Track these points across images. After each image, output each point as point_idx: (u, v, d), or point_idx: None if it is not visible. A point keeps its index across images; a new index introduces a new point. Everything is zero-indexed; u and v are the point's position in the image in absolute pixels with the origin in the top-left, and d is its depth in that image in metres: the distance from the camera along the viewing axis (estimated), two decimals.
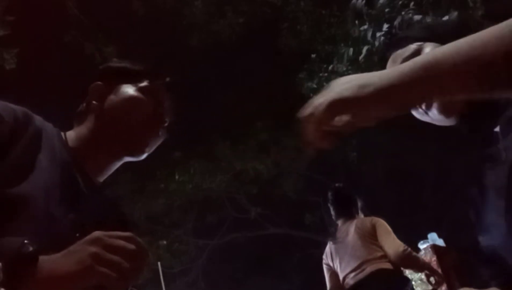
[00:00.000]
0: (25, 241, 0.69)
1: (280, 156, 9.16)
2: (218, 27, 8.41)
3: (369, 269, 2.75)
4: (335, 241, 3.04)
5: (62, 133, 1.01)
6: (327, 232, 3.23)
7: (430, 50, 0.94)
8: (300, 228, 9.74)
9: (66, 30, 7.60)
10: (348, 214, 3.11)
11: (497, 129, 0.86)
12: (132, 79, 1.06)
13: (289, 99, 8.35)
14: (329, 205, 3.24)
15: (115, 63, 1.12)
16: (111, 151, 1.01)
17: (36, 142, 0.90)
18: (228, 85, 8.98)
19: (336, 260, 3.01)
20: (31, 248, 0.70)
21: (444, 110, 0.95)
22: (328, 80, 7.26)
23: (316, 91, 7.40)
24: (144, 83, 1.06)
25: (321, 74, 7.32)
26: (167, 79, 1.10)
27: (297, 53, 7.70)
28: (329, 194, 3.26)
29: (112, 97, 1.03)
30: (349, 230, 2.97)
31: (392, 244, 2.75)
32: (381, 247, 2.81)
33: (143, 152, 1.04)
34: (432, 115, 0.97)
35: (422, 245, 4.22)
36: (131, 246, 0.74)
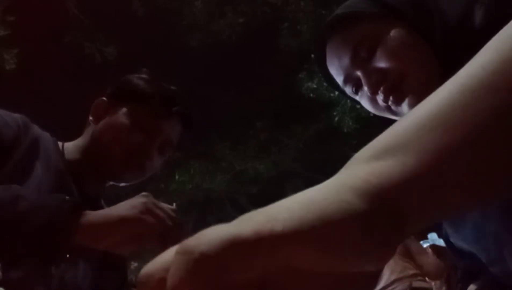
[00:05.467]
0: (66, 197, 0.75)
1: (280, 156, 9.16)
2: (218, 27, 8.41)
3: (401, 286, 2.78)
4: None
5: (60, 143, 1.00)
6: None
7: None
8: None
9: (66, 30, 7.60)
10: None
11: None
12: (139, 102, 1.00)
13: (289, 99, 8.36)
14: None
15: (131, 79, 1.06)
16: (93, 172, 1.00)
17: (34, 149, 0.91)
18: (228, 85, 8.98)
19: None
20: (73, 201, 0.76)
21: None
22: None
23: (316, 91, 7.43)
24: (146, 114, 0.99)
25: (320, 74, 7.33)
26: (175, 108, 1.02)
27: (297, 53, 7.71)
28: None
29: (106, 120, 1.00)
30: None
31: (431, 263, 2.78)
32: (413, 265, 2.83)
33: (121, 181, 1.02)
34: (399, 111, 0.78)
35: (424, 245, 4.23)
36: (173, 214, 0.79)
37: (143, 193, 0.80)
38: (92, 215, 0.75)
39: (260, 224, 0.24)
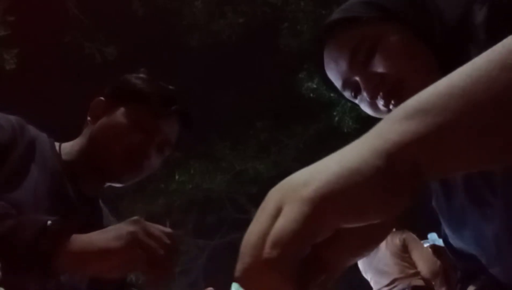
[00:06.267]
0: (49, 221, 0.71)
1: (280, 156, 9.16)
2: (218, 27, 8.41)
3: (401, 286, 2.80)
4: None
5: (57, 144, 1.00)
6: None
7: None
8: None
9: (66, 30, 7.60)
10: None
11: None
12: (137, 102, 0.99)
13: (289, 99, 8.36)
14: None
15: (129, 78, 1.05)
16: (91, 173, 0.98)
17: (30, 151, 0.90)
18: (228, 85, 8.98)
19: (369, 274, 3.06)
20: (56, 225, 0.71)
21: None
22: None
23: (316, 91, 7.43)
24: (144, 113, 0.98)
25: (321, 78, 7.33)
26: (174, 108, 1.01)
27: (297, 53, 7.71)
28: None
29: (104, 120, 0.99)
30: (380, 245, 3.00)
31: (426, 260, 2.79)
32: (413, 264, 2.86)
33: (118, 182, 1.01)
34: None
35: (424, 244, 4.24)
36: (167, 240, 0.74)
37: (134, 218, 0.75)
38: (77, 242, 0.71)
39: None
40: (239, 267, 0.33)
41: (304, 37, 7.62)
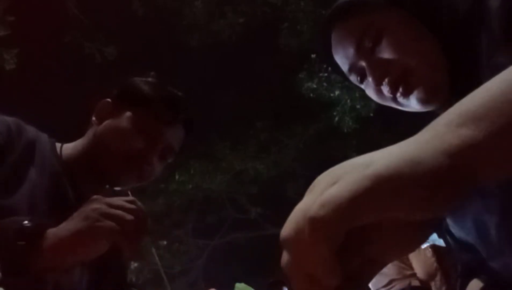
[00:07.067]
0: (26, 221, 0.73)
1: (280, 156, 9.16)
2: (218, 27, 8.40)
3: (399, 286, 2.81)
4: None
5: (58, 145, 0.99)
6: None
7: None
8: None
9: (66, 30, 7.60)
10: None
11: None
12: (143, 108, 0.99)
13: (289, 99, 8.36)
14: None
15: (138, 83, 1.04)
16: (91, 174, 0.98)
17: (28, 154, 0.89)
18: (228, 85, 8.97)
19: None
20: (32, 224, 0.73)
21: (427, 99, 0.75)
22: (328, 80, 7.28)
23: (316, 91, 7.43)
24: (149, 120, 0.98)
25: (320, 74, 7.33)
26: (180, 116, 1.01)
27: (297, 53, 7.70)
28: None
29: (109, 122, 0.99)
30: None
31: (423, 262, 2.81)
32: (410, 265, 2.87)
33: (117, 185, 1.01)
34: (406, 102, 0.78)
35: (422, 245, 4.24)
36: (131, 206, 0.77)
37: (93, 197, 0.78)
38: (50, 236, 0.73)
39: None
40: (284, 229, 0.34)
41: (304, 37, 7.62)
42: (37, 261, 0.71)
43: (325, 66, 6.40)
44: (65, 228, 0.75)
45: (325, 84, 7.33)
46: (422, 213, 0.33)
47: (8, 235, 0.71)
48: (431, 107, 0.78)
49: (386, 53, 0.77)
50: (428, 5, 0.76)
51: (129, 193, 0.88)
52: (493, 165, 0.34)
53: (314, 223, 0.32)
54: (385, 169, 0.32)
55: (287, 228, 0.33)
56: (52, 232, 0.74)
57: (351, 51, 0.81)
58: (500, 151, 0.34)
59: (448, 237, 0.90)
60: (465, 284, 0.85)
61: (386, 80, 0.77)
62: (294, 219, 0.33)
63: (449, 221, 0.86)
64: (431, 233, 0.36)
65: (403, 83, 0.76)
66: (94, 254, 0.76)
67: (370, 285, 3.05)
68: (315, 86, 7.39)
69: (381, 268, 0.37)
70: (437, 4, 0.76)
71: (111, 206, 0.76)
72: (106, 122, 0.99)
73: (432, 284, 2.80)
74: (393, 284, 2.86)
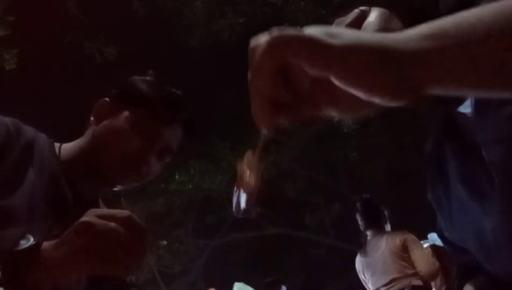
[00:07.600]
0: (26, 234, 0.71)
1: (280, 156, 9.16)
2: (218, 27, 8.41)
3: (400, 285, 2.81)
4: (365, 254, 3.09)
5: (57, 145, 0.99)
6: (359, 243, 3.27)
7: (378, 15, 0.75)
8: (300, 228, 9.74)
9: (66, 30, 7.60)
10: (377, 225, 3.16)
11: (463, 109, 0.71)
12: (142, 107, 0.98)
13: None
14: (357, 216, 3.28)
15: (136, 82, 1.04)
16: (90, 175, 0.97)
17: (27, 155, 0.89)
18: (228, 85, 8.97)
19: (367, 274, 3.07)
20: (32, 240, 0.70)
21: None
22: None
23: None
24: (147, 120, 0.97)
25: None
26: (179, 116, 1.01)
27: None
28: (358, 205, 3.31)
29: (107, 122, 0.98)
30: (379, 245, 3.01)
31: (426, 261, 2.81)
32: (412, 264, 2.87)
33: (116, 185, 1.00)
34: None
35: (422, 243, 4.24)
36: (121, 215, 0.72)
37: (88, 213, 0.74)
38: (45, 255, 0.70)
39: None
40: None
41: None
42: (32, 277, 0.69)
43: None
44: (56, 244, 0.71)
45: None
46: (364, 90, 0.41)
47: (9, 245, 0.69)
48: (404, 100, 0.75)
49: None
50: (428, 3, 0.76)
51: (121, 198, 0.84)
52: (437, 79, 0.41)
53: (273, 38, 0.43)
54: (350, 41, 0.40)
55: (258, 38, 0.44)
56: (46, 252, 0.71)
57: None
58: (444, 65, 0.40)
59: (441, 239, 0.90)
60: (462, 285, 0.84)
61: None
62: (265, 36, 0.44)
63: (443, 224, 0.86)
64: (371, 113, 0.46)
65: None
66: (93, 269, 0.73)
67: (370, 284, 3.05)
68: None
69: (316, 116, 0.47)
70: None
71: (99, 217, 0.71)
72: (104, 122, 0.99)
73: (432, 284, 2.80)
74: (393, 283, 2.85)
